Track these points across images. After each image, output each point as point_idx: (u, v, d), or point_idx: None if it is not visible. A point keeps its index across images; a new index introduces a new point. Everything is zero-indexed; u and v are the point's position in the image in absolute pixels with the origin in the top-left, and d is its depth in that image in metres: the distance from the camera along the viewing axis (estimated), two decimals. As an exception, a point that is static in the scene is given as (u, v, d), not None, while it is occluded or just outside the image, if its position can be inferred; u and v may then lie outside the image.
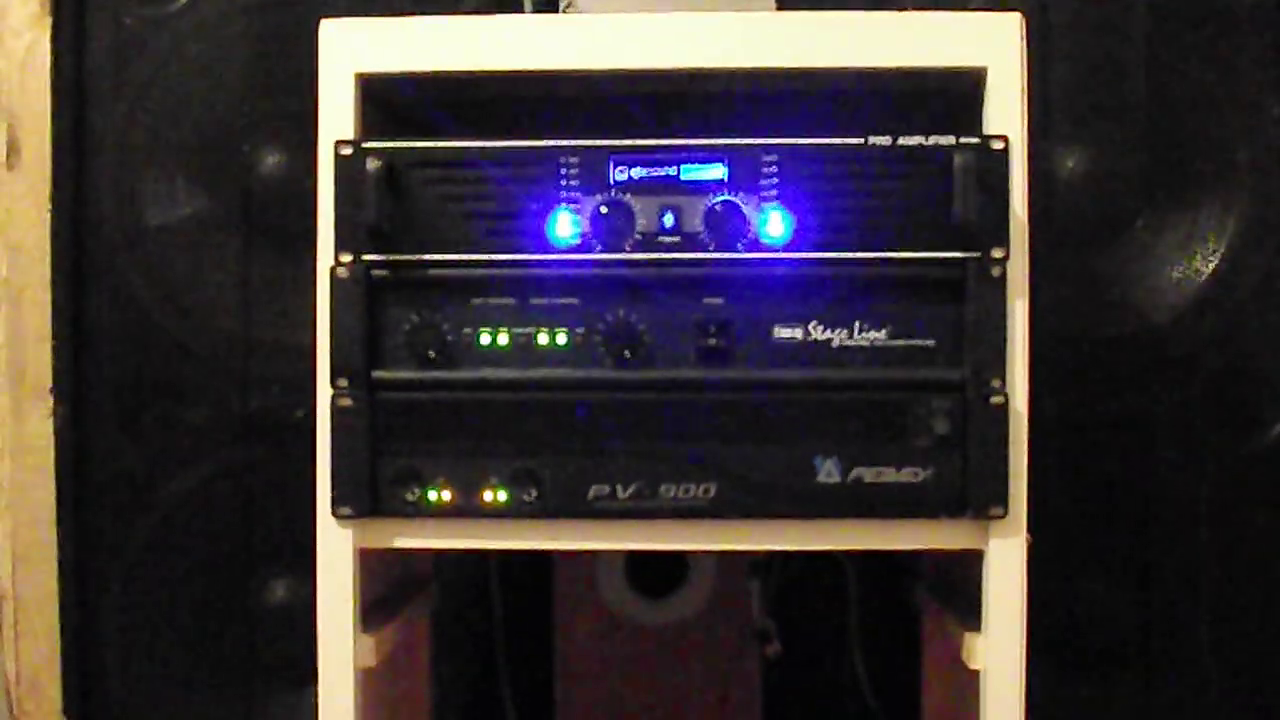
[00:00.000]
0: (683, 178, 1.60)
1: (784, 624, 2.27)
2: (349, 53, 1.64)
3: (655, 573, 2.33)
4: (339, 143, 1.61)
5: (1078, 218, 1.94)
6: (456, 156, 1.62)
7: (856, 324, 1.60)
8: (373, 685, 1.74)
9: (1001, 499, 1.58)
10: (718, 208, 1.59)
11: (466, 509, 1.61)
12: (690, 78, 1.68)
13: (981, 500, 1.58)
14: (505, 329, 1.62)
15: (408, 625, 1.93)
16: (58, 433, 2.01)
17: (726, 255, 1.60)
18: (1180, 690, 1.95)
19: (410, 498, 1.61)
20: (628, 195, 1.60)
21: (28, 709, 2.07)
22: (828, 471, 1.60)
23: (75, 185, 2.01)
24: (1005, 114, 1.60)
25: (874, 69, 1.63)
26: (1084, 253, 1.94)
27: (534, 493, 1.60)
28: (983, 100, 1.62)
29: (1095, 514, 1.95)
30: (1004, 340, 1.58)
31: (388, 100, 1.75)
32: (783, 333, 1.61)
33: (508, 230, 1.61)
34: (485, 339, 1.62)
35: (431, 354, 1.61)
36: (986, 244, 1.58)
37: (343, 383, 1.61)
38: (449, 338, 1.61)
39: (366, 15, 1.65)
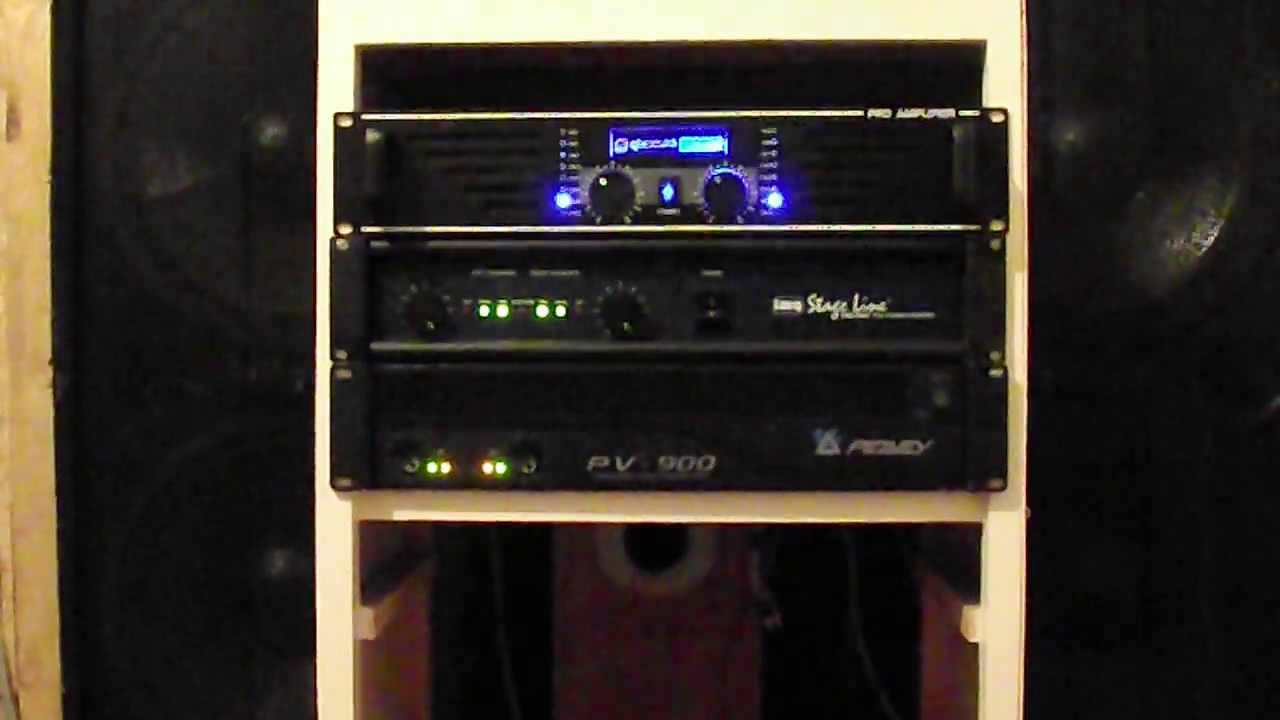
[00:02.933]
0: (682, 150, 1.60)
1: (783, 596, 2.27)
2: (349, 24, 1.64)
3: (655, 545, 2.33)
4: (338, 114, 1.61)
5: (1077, 190, 1.94)
6: (456, 129, 1.62)
7: (856, 297, 1.60)
8: (372, 656, 1.74)
9: (1000, 471, 1.58)
10: (717, 180, 1.59)
11: (466, 481, 1.62)
12: (689, 50, 1.68)
13: (980, 473, 1.59)
14: (505, 301, 1.62)
15: (407, 597, 1.93)
16: (57, 404, 2.01)
17: (726, 228, 1.60)
18: (1180, 662, 1.95)
19: (409, 469, 1.61)
20: (627, 167, 1.60)
21: (27, 680, 2.08)
22: (827, 444, 1.60)
23: (75, 156, 2.00)
24: (1005, 86, 1.60)
25: (874, 41, 1.63)
26: (1083, 225, 1.94)
27: (533, 464, 1.61)
28: (982, 73, 1.62)
29: (1094, 486, 1.95)
30: (1003, 313, 1.58)
31: (387, 72, 1.75)
32: (782, 305, 1.61)
33: (507, 202, 1.61)
34: (485, 311, 1.62)
35: (431, 326, 1.61)
36: (986, 217, 1.58)
37: (342, 354, 1.61)
38: (448, 310, 1.62)
39: (366, -14, 1.65)
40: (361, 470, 1.61)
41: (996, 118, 1.58)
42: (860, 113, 1.60)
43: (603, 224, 1.60)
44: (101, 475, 2.01)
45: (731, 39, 1.64)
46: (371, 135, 1.59)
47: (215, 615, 2.01)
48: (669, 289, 1.61)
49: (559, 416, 1.61)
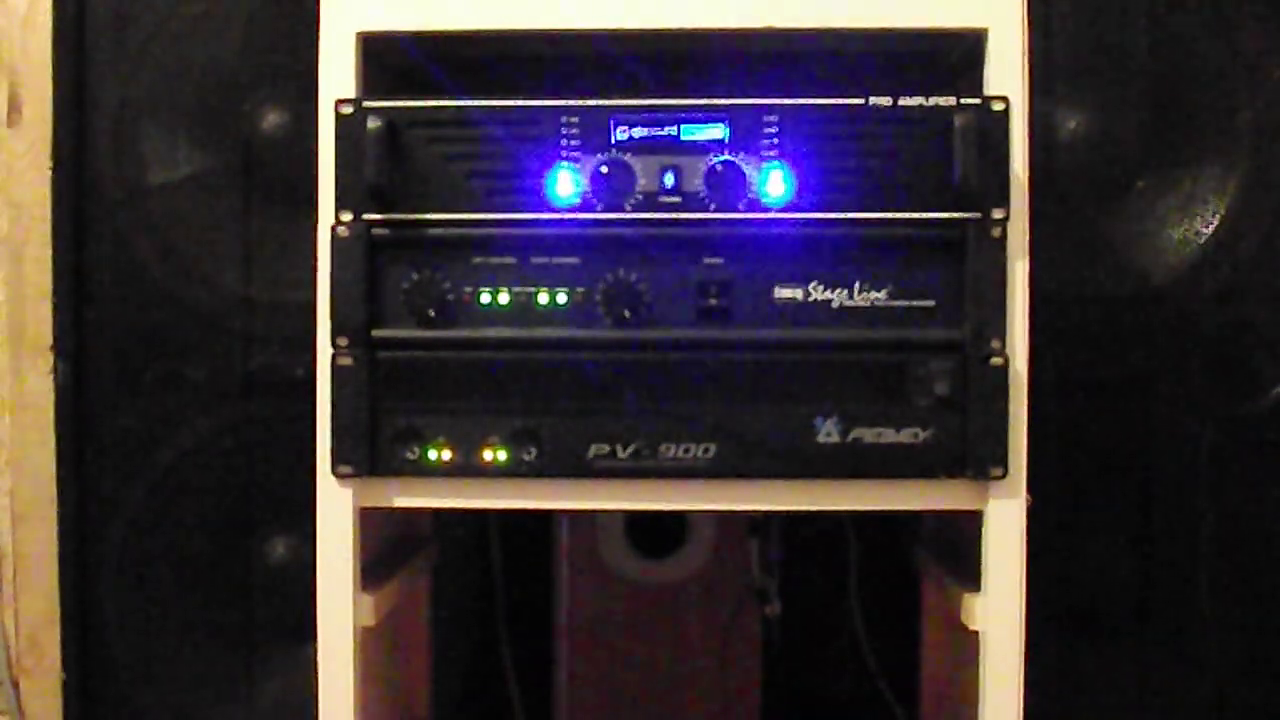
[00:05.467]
0: (683, 138, 1.60)
1: (783, 584, 2.28)
2: (350, 11, 1.64)
3: (655, 532, 2.33)
4: (339, 101, 1.61)
5: (1078, 179, 1.94)
6: (458, 116, 1.62)
7: (857, 284, 1.61)
8: (372, 643, 1.75)
9: (1001, 459, 1.59)
10: (718, 168, 1.59)
11: (466, 468, 1.62)
12: (691, 37, 1.68)
13: (981, 461, 1.59)
14: (505, 288, 1.62)
15: (408, 583, 1.93)
16: (58, 390, 2.01)
17: (727, 215, 1.60)
18: (1179, 650, 1.95)
19: (410, 456, 1.62)
20: (628, 155, 1.60)
21: (27, 666, 2.08)
22: (827, 432, 1.60)
23: (76, 143, 2.00)
24: (1006, 75, 1.60)
25: (876, 29, 1.64)
26: (1084, 214, 1.94)
27: (533, 452, 1.61)
28: (984, 61, 1.62)
29: (1094, 475, 1.95)
30: (1004, 301, 1.58)
31: (389, 59, 1.75)
32: (783, 293, 1.61)
33: (508, 189, 1.61)
34: (485, 298, 1.62)
35: (431, 313, 1.61)
36: (987, 205, 1.58)
37: (343, 341, 1.61)
38: (449, 297, 1.62)
39: (368, -26, 1.65)
40: (362, 457, 1.62)
41: (997, 106, 1.58)
42: (861, 100, 1.60)
43: (604, 211, 1.60)
44: (102, 461, 2.01)
45: (732, 26, 1.64)
46: (372, 122, 1.59)
47: (216, 601, 2.01)
48: (670, 276, 1.61)
49: (559, 404, 1.61)
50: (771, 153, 1.60)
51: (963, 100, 1.59)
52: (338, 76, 1.63)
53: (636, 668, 2.36)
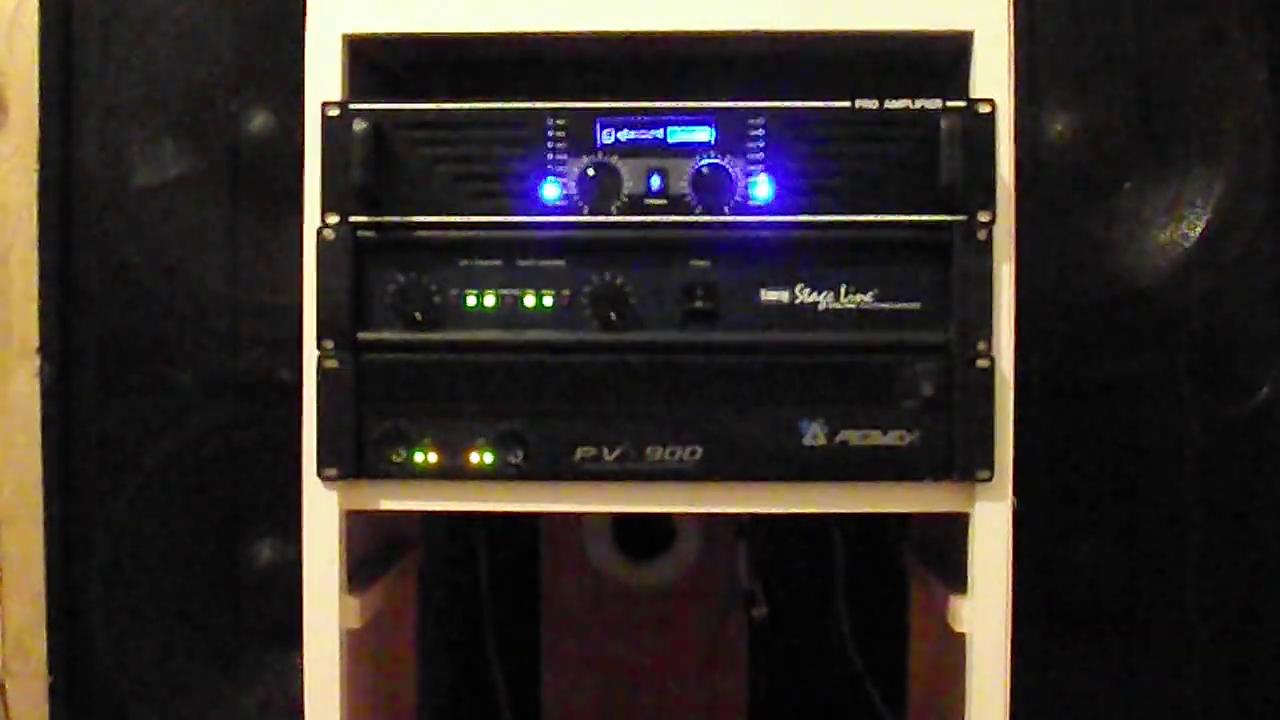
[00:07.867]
0: (670, 140, 1.60)
1: (770, 586, 2.28)
2: (337, 13, 1.64)
3: (642, 535, 2.33)
4: (326, 104, 1.61)
5: (1064, 181, 1.94)
6: (444, 118, 1.62)
7: (842, 287, 1.61)
8: (359, 645, 1.74)
9: (987, 462, 1.59)
10: (704, 170, 1.59)
11: (452, 471, 1.62)
12: (677, 40, 1.68)
13: (967, 463, 1.59)
14: (492, 291, 1.62)
15: (394, 586, 1.93)
16: (44, 393, 2.01)
17: (713, 218, 1.60)
18: (1166, 653, 1.95)
19: (396, 459, 1.62)
20: (614, 158, 1.60)
21: (14, 669, 2.07)
22: (814, 434, 1.60)
23: (63, 145, 2.00)
24: (992, 77, 1.60)
25: (861, 32, 1.64)
26: (1070, 216, 1.94)
27: (520, 455, 1.61)
28: (970, 63, 1.62)
29: (1081, 477, 1.95)
30: (990, 303, 1.58)
31: (376, 61, 1.74)
32: (769, 295, 1.61)
33: (495, 192, 1.61)
34: (471, 301, 1.62)
35: (418, 315, 1.61)
36: (973, 207, 1.58)
37: (329, 344, 1.61)
38: (435, 299, 1.62)
39: (354, -24, 1.65)
40: (348, 460, 1.61)
41: (983, 108, 1.59)
42: (847, 103, 1.60)
43: (590, 214, 1.60)
44: (88, 464, 2.01)
45: (719, 29, 1.64)
46: (359, 125, 1.59)
47: (202, 604, 2.01)
48: (656, 279, 1.61)
49: (546, 407, 1.61)
50: (758, 155, 1.60)
51: (949, 103, 1.59)
52: (324, 79, 1.63)
53: (624, 670, 2.36)
